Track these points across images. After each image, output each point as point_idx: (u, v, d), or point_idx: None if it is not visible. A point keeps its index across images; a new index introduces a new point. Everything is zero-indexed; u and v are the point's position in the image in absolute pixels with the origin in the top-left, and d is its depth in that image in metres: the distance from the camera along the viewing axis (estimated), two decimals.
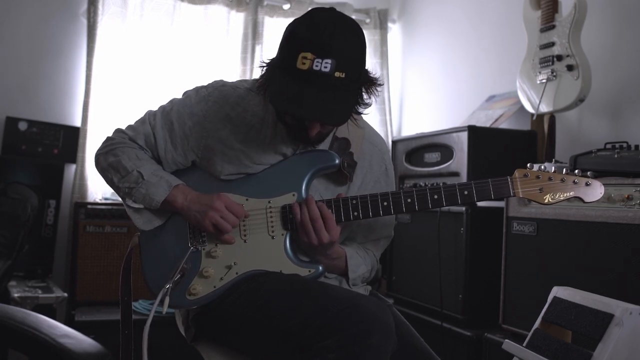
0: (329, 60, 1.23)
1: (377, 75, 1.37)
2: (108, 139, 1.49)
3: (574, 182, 1.34)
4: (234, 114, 1.44)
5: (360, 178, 1.51)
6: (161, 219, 1.44)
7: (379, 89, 1.37)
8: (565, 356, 1.39)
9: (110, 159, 1.44)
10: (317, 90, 1.24)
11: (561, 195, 1.34)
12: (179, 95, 1.51)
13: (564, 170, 1.36)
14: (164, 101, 1.54)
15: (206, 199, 1.38)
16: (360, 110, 1.38)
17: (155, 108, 1.51)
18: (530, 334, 1.53)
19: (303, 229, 1.36)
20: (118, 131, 1.50)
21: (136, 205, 1.41)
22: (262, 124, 1.44)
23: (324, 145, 1.47)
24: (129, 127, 1.49)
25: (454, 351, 2.27)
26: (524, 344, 1.52)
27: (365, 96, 1.36)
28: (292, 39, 1.27)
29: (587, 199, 1.34)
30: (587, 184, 1.34)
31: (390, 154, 1.65)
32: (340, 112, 1.29)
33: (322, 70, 1.23)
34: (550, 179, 1.35)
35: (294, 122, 1.35)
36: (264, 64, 1.36)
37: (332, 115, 1.28)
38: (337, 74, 1.24)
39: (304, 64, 1.23)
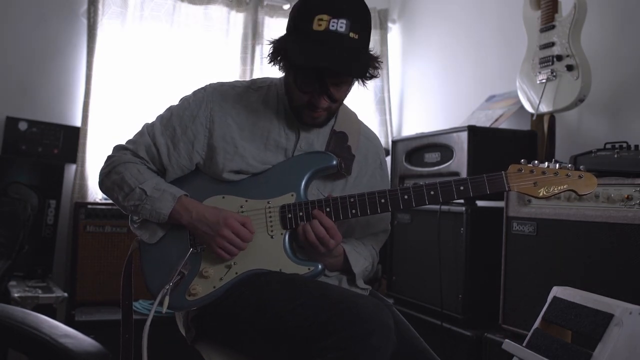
0: (344, 20, 1.28)
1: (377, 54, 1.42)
2: (109, 157, 1.49)
3: (567, 175, 1.35)
4: (234, 112, 1.46)
5: (356, 171, 1.54)
6: (164, 229, 1.44)
7: (378, 69, 1.41)
8: (565, 356, 1.39)
9: (113, 177, 1.44)
10: (335, 50, 1.28)
11: (555, 189, 1.36)
12: (175, 102, 1.51)
13: (557, 165, 1.37)
14: (163, 103, 1.54)
15: (212, 221, 1.37)
16: (366, 81, 1.42)
17: (151, 119, 1.51)
18: (530, 333, 1.53)
19: (311, 246, 1.38)
20: (118, 148, 1.50)
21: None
22: (262, 120, 1.47)
23: (323, 139, 1.49)
24: (129, 141, 1.49)
25: (454, 351, 2.27)
26: (524, 344, 1.52)
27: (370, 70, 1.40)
28: (306, 4, 1.32)
29: (580, 192, 1.36)
30: (579, 177, 1.35)
31: (384, 151, 1.68)
32: (359, 66, 1.33)
33: (338, 30, 1.28)
34: (543, 172, 1.36)
35: (306, 93, 1.36)
36: (273, 40, 1.39)
37: (352, 67, 1.32)
38: (351, 35, 1.29)
39: (320, 25, 1.28)
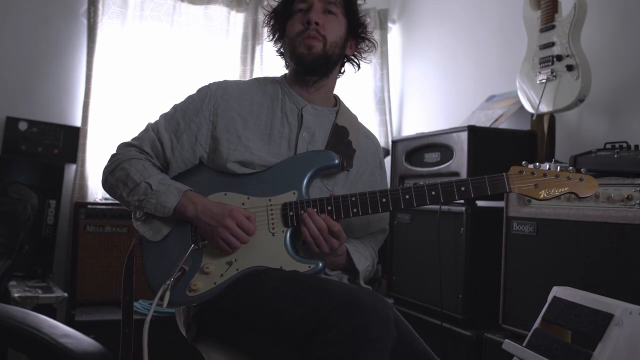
0: None
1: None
2: (113, 155, 1.51)
3: (567, 177, 1.37)
4: (237, 105, 1.49)
5: (357, 166, 1.56)
6: (169, 226, 1.44)
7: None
8: (565, 356, 1.39)
9: (117, 174, 1.45)
10: None
11: (556, 191, 1.37)
12: (179, 101, 1.54)
13: (559, 167, 1.38)
14: (163, 103, 1.58)
15: (217, 213, 1.38)
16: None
17: (154, 119, 1.54)
18: (530, 333, 1.53)
19: (315, 242, 1.38)
20: (122, 146, 1.52)
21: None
22: (265, 112, 1.50)
23: (325, 131, 1.52)
24: (134, 138, 1.52)
25: (454, 351, 2.27)
26: (524, 344, 1.52)
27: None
28: None
29: (581, 194, 1.37)
30: (580, 180, 1.37)
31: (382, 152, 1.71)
32: None
33: None
34: (544, 175, 1.38)
35: (299, 12, 1.49)
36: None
37: None
38: None
39: None
